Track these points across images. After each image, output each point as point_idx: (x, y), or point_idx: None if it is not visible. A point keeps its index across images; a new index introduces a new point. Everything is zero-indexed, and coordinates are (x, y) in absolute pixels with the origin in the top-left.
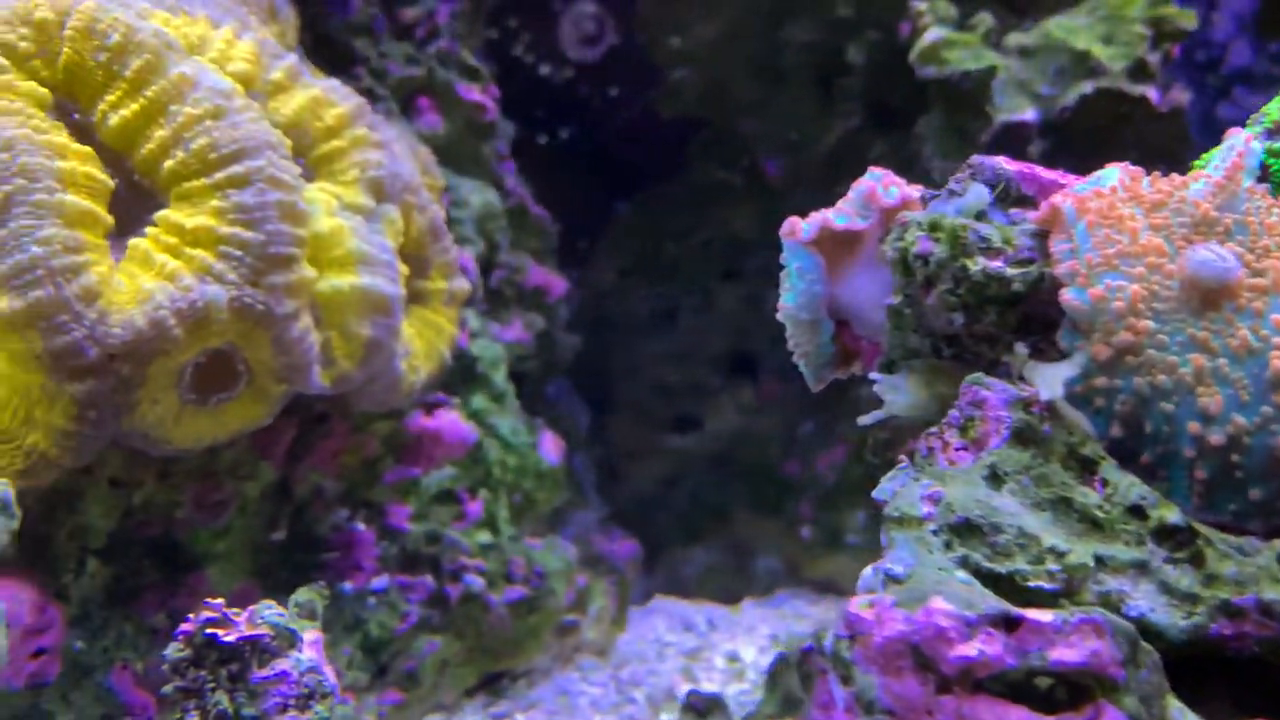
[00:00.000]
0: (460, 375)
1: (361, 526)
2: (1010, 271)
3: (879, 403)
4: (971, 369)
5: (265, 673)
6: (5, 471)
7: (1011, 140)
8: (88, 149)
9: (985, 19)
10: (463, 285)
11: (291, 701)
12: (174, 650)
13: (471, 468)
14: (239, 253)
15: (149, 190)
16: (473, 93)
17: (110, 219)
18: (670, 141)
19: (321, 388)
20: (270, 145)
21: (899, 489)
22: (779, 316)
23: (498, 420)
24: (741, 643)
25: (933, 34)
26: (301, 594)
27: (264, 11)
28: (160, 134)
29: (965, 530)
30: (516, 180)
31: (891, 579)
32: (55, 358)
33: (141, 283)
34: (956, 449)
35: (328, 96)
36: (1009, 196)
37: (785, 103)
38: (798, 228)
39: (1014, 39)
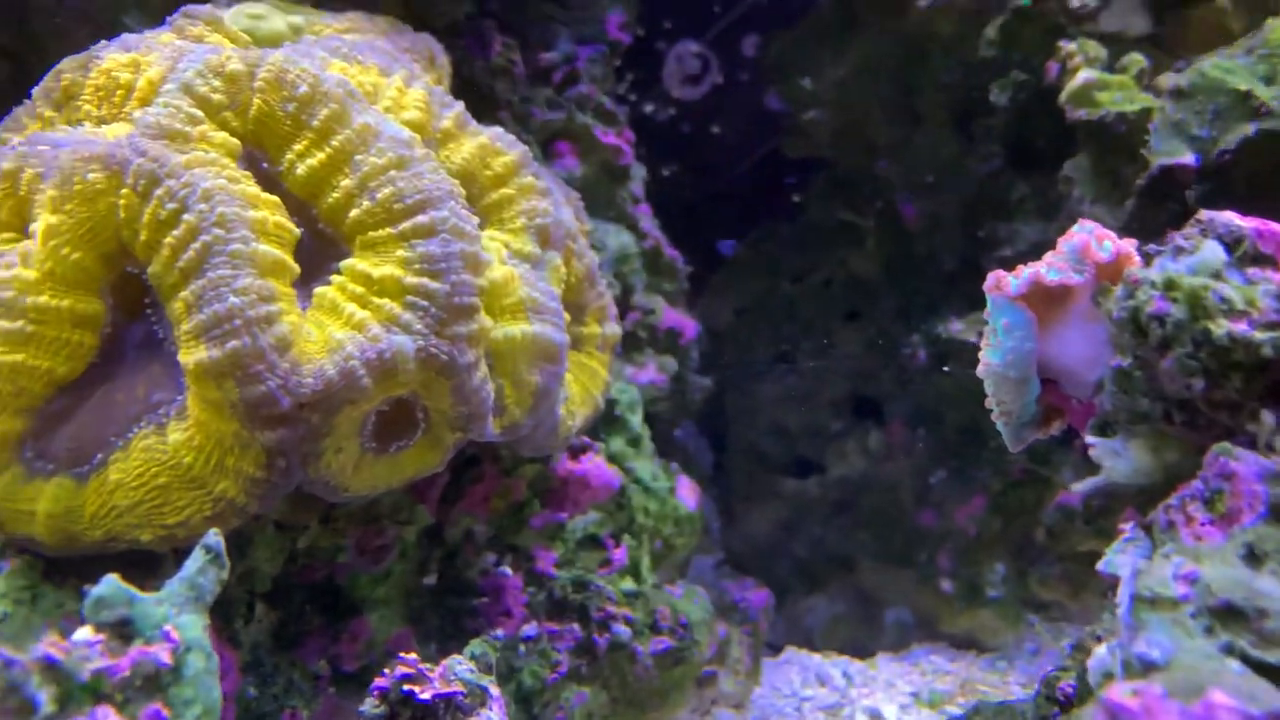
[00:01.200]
0: (599, 418)
1: (509, 571)
2: (1259, 336)
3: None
4: (1205, 436)
5: None
6: (195, 518)
7: (1169, 185)
8: (275, 198)
9: (1137, 60)
10: (615, 330)
11: None
12: (370, 707)
13: (616, 513)
14: (425, 303)
15: (332, 239)
16: (610, 136)
17: (297, 268)
18: (783, 181)
19: (493, 436)
20: (452, 195)
21: (1142, 566)
22: (981, 373)
23: (636, 464)
24: (881, 699)
25: (1084, 76)
26: (476, 646)
27: (425, 59)
28: (346, 183)
29: (1228, 614)
30: (651, 223)
31: (1149, 665)
32: (250, 407)
33: (331, 332)
34: (1202, 524)
35: (495, 144)
36: (1246, 254)
37: (922, 144)
38: (1005, 282)
39: (1167, 80)
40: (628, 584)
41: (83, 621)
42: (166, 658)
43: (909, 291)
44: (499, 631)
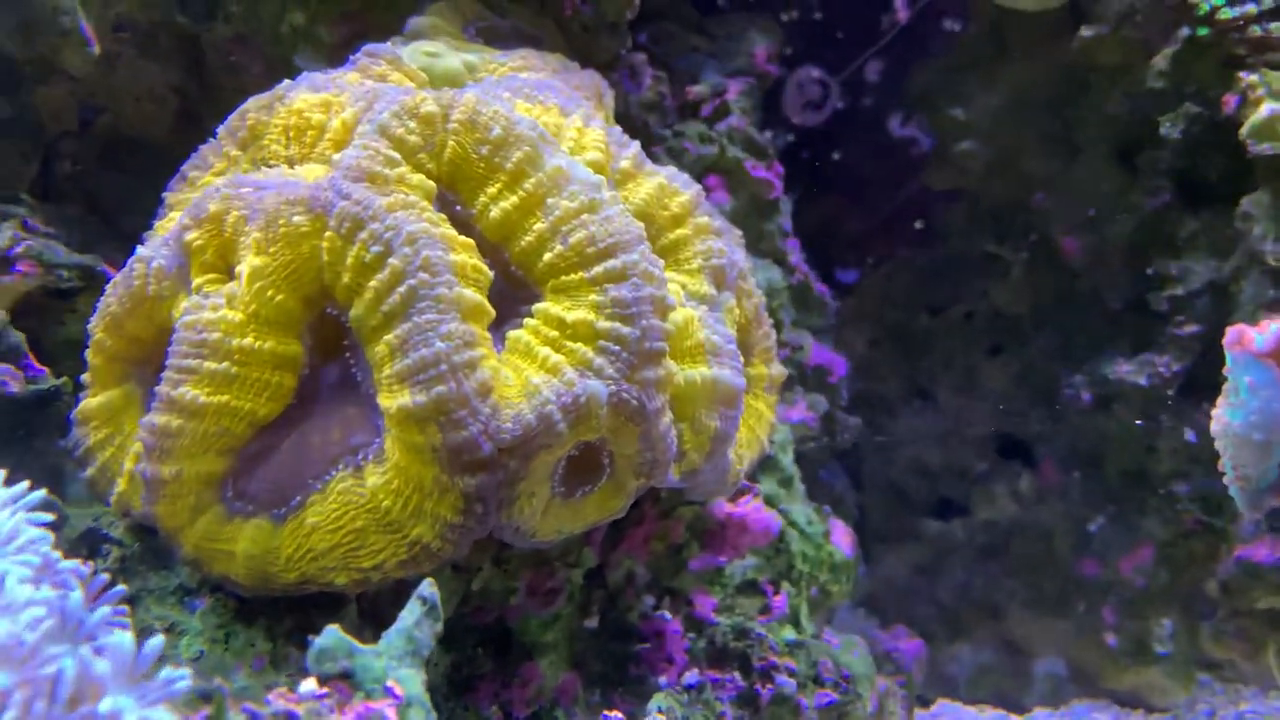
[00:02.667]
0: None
1: (669, 615)
2: None
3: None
4: None
5: None
6: (389, 561)
7: None
8: (470, 241)
9: None
10: (781, 371)
11: None
12: None
13: (774, 558)
14: (617, 347)
15: (522, 281)
16: (760, 170)
17: (493, 311)
18: (921, 212)
19: (673, 482)
20: (641, 239)
21: None
22: (1217, 433)
23: (790, 507)
24: None
25: (1269, 109)
26: (662, 700)
27: (594, 96)
28: (539, 227)
29: None
30: (799, 257)
31: None
32: (452, 452)
33: (528, 376)
34: None
35: (671, 184)
36: None
37: (1082, 176)
38: (1248, 337)
39: None
40: (788, 633)
41: (305, 672)
42: (391, 715)
43: (1068, 329)
44: (663, 679)
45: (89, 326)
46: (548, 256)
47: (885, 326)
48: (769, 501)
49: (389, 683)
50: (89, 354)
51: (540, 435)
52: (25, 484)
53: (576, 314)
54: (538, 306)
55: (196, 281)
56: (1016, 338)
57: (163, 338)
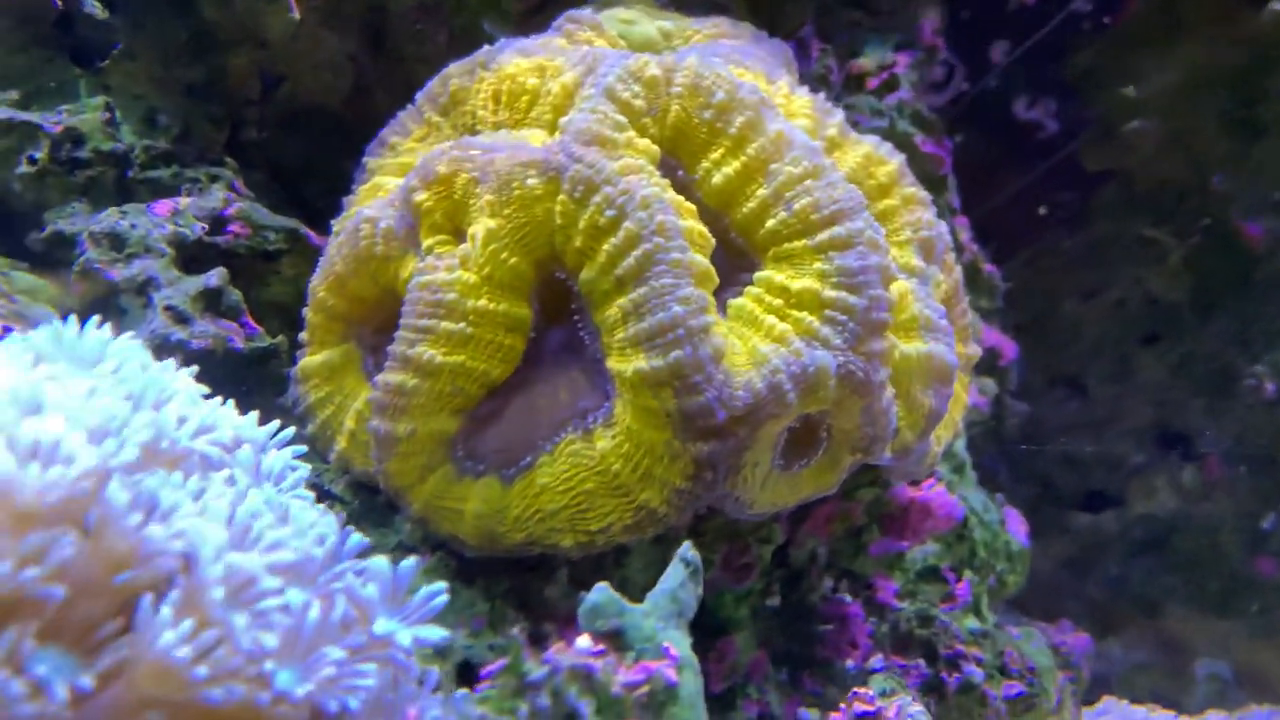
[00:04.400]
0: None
1: (848, 599)
2: None
3: None
4: None
5: None
6: (615, 525)
7: None
8: (693, 206)
9: None
10: (977, 351)
11: None
12: None
13: (956, 545)
14: (844, 317)
15: (741, 250)
16: (929, 145)
17: (718, 278)
18: (1071, 194)
19: (887, 459)
20: (864, 205)
21: None
22: None
23: (964, 493)
24: None
25: None
26: (884, 682)
27: (786, 65)
28: (761, 193)
29: None
30: (969, 235)
31: None
32: (686, 418)
33: (755, 345)
34: None
35: (877, 152)
36: None
37: (1266, 159)
38: None
39: None
40: (972, 622)
41: (577, 629)
42: (672, 674)
43: (1245, 316)
44: (849, 663)
45: (310, 285)
46: (770, 223)
47: (1029, 313)
48: (947, 488)
49: (664, 643)
50: (309, 313)
51: (770, 405)
52: (276, 423)
53: (801, 282)
54: (760, 274)
55: (427, 243)
56: (1175, 326)
57: (385, 298)
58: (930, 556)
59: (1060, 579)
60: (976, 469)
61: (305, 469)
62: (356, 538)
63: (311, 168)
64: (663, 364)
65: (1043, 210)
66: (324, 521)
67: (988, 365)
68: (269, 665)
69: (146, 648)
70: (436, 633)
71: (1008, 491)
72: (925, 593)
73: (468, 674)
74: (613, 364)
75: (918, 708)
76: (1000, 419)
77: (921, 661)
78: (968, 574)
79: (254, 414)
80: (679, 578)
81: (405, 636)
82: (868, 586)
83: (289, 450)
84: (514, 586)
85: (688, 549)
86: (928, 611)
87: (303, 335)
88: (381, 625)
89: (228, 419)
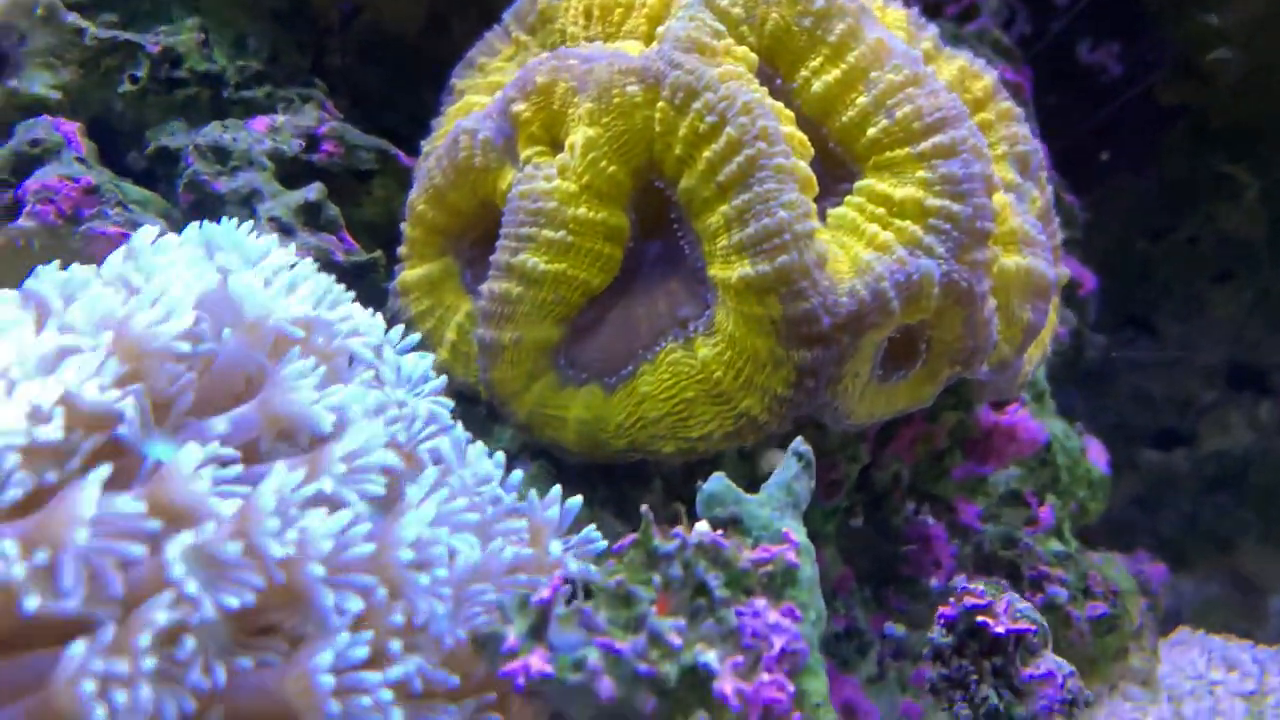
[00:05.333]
0: None
1: (931, 521)
2: None
3: None
4: None
5: (1033, 671)
6: (716, 433)
7: None
8: (791, 114)
9: None
10: (1065, 272)
11: (1057, 706)
12: (939, 635)
13: (1039, 470)
14: (948, 225)
15: (839, 159)
16: (1010, 73)
17: (817, 187)
18: (1144, 129)
19: (984, 373)
20: (966, 113)
21: None
22: None
23: (1046, 421)
24: None
25: None
26: (985, 586)
27: None
28: (861, 101)
29: None
30: (1051, 164)
31: None
32: (791, 324)
33: (857, 253)
34: None
35: (972, 67)
36: None
37: None
38: None
39: None
40: (1055, 545)
41: (695, 518)
42: (794, 558)
43: None
44: (933, 582)
45: (409, 200)
46: (871, 132)
47: (1097, 252)
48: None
49: (783, 529)
50: (408, 227)
51: (873, 312)
52: (400, 327)
53: (904, 191)
54: (860, 184)
55: (525, 153)
56: (1249, 263)
57: (483, 211)
58: (1013, 481)
59: (1131, 515)
60: (1054, 400)
61: (442, 377)
62: (518, 474)
63: (390, 97)
64: (769, 269)
65: (1108, 155)
66: (492, 461)
67: (1067, 296)
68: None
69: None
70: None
71: (1085, 423)
72: (1008, 516)
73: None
74: (715, 272)
75: (1025, 604)
76: (1079, 351)
77: (1005, 582)
78: (1050, 498)
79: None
80: (793, 470)
81: (573, 563)
82: (950, 509)
83: (429, 357)
84: (611, 494)
85: (800, 443)
86: (1011, 534)
87: (401, 250)
88: (555, 547)
89: (375, 324)
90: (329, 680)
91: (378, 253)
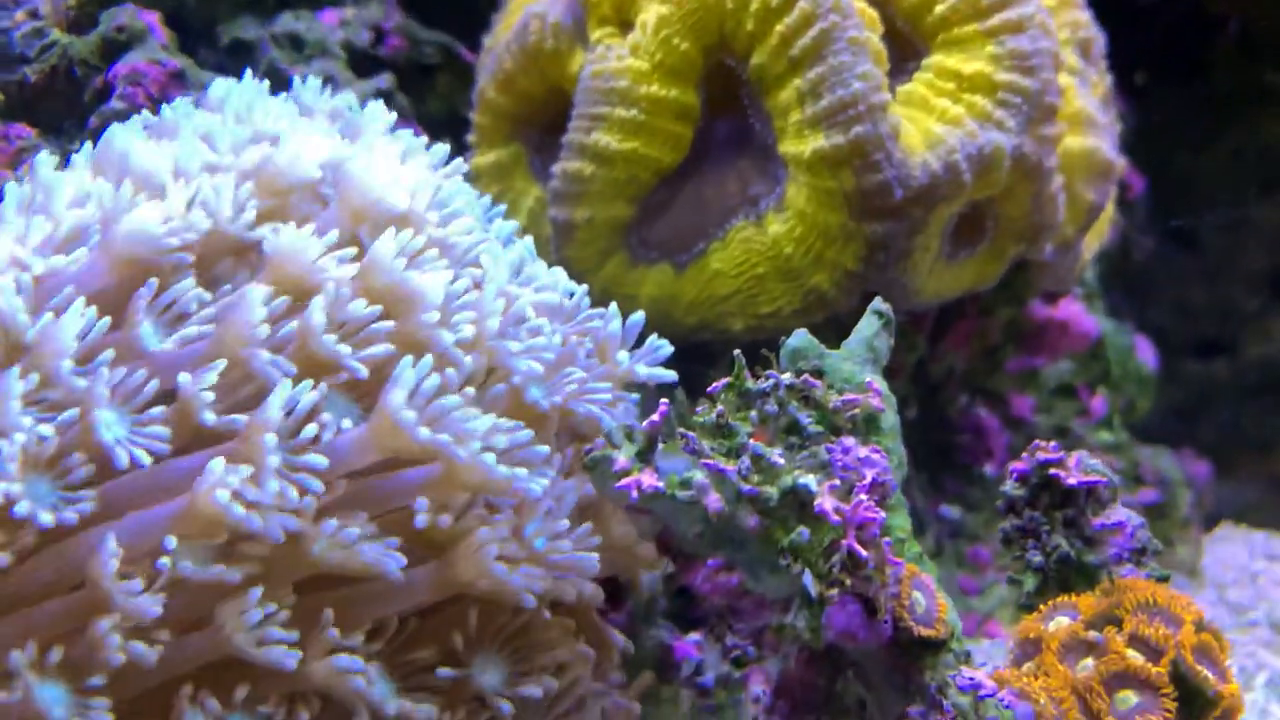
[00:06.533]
0: None
1: (984, 412)
2: None
3: None
4: None
5: (1103, 520)
6: (785, 309)
7: None
8: None
9: None
10: (1122, 163)
11: (1127, 554)
12: (1011, 488)
13: (1090, 363)
14: (1018, 99)
15: (906, 38)
16: None
17: (888, 61)
18: (1185, 39)
19: (1049, 253)
20: None
21: None
22: None
23: (1097, 318)
24: None
25: None
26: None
27: None
28: None
29: None
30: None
31: None
32: (864, 196)
33: (928, 126)
34: None
35: None
36: None
37: None
38: None
39: None
40: (1105, 435)
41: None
42: (879, 403)
43: None
44: (988, 468)
45: (478, 88)
46: (939, 9)
47: (1138, 164)
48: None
49: (870, 379)
50: (477, 115)
51: (945, 185)
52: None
53: (973, 66)
54: (928, 60)
55: (595, 35)
56: None
57: (552, 96)
58: (1065, 374)
59: (1171, 425)
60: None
61: (542, 269)
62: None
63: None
64: (843, 140)
65: (1153, 67)
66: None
67: (1116, 198)
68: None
69: None
70: (664, 372)
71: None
72: (1060, 408)
73: None
74: (787, 147)
75: (1095, 460)
76: (1126, 254)
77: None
78: (1101, 391)
79: None
80: (873, 327)
81: (641, 369)
82: (1003, 402)
83: (512, 223)
84: (681, 373)
85: (878, 301)
86: (1063, 424)
87: (470, 138)
88: (622, 356)
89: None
90: (411, 415)
91: (446, 143)
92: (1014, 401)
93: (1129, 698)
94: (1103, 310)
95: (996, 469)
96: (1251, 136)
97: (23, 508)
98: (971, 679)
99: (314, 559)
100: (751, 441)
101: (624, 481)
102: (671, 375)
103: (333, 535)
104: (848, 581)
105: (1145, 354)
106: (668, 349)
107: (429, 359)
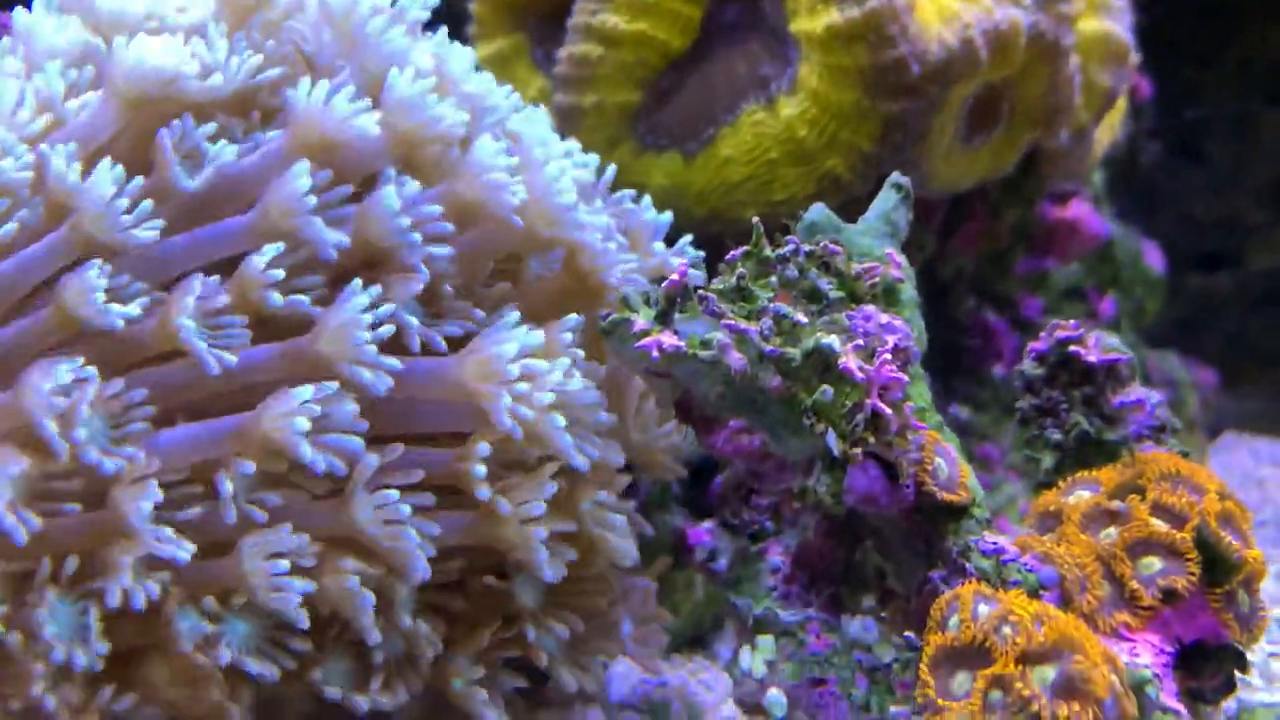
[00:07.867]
0: None
1: (993, 316)
2: None
3: None
4: None
5: (1123, 398)
6: (799, 195)
7: None
8: None
9: None
10: (1138, 57)
11: (1147, 431)
12: (1030, 368)
13: (1099, 266)
14: None
15: None
16: None
17: None
18: None
19: (1064, 139)
20: None
21: None
22: None
23: (1105, 220)
24: None
25: None
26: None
27: None
28: None
29: None
30: None
31: None
32: (879, 73)
33: (944, 2)
34: None
35: None
36: None
37: None
38: None
39: None
40: (1113, 338)
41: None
42: (898, 274)
43: None
44: (997, 368)
45: None
46: None
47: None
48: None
49: (890, 251)
50: (476, 5)
51: (961, 62)
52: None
53: None
54: None
55: None
56: None
57: None
58: (1074, 276)
59: (1175, 337)
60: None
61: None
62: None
63: None
64: (857, 14)
65: None
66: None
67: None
68: None
69: None
70: (695, 252)
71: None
72: (1068, 310)
73: None
74: (799, 25)
75: (1115, 339)
76: (1134, 159)
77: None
78: (1111, 293)
79: None
80: (891, 200)
81: (675, 260)
82: (1012, 304)
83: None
84: None
85: (896, 175)
86: None
87: (470, 29)
88: (659, 246)
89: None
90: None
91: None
92: (1023, 303)
93: (1153, 563)
94: (1109, 213)
95: (1005, 371)
96: (1259, 46)
97: None
98: (995, 544)
99: None
100: (773, 304)
101: (644, 341)
102: (700, 255)
103: None
104: (871, 440)
105: (1153, 259)
106: (696, 252)
107: None
